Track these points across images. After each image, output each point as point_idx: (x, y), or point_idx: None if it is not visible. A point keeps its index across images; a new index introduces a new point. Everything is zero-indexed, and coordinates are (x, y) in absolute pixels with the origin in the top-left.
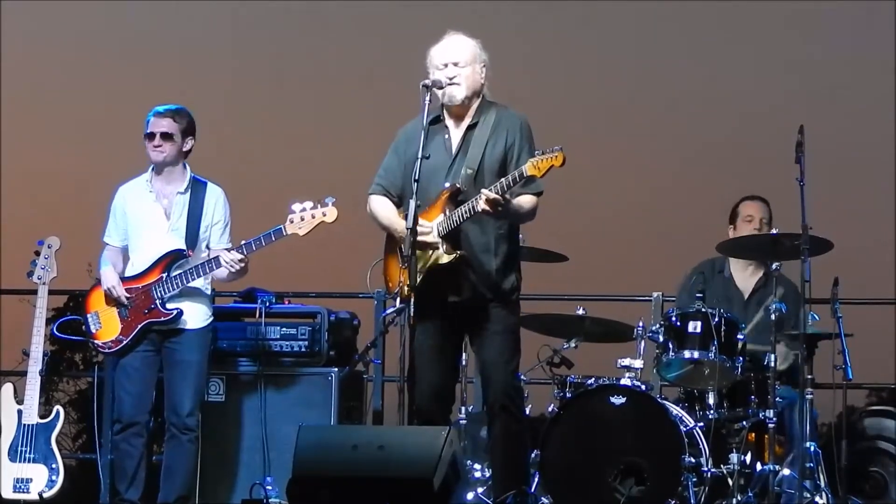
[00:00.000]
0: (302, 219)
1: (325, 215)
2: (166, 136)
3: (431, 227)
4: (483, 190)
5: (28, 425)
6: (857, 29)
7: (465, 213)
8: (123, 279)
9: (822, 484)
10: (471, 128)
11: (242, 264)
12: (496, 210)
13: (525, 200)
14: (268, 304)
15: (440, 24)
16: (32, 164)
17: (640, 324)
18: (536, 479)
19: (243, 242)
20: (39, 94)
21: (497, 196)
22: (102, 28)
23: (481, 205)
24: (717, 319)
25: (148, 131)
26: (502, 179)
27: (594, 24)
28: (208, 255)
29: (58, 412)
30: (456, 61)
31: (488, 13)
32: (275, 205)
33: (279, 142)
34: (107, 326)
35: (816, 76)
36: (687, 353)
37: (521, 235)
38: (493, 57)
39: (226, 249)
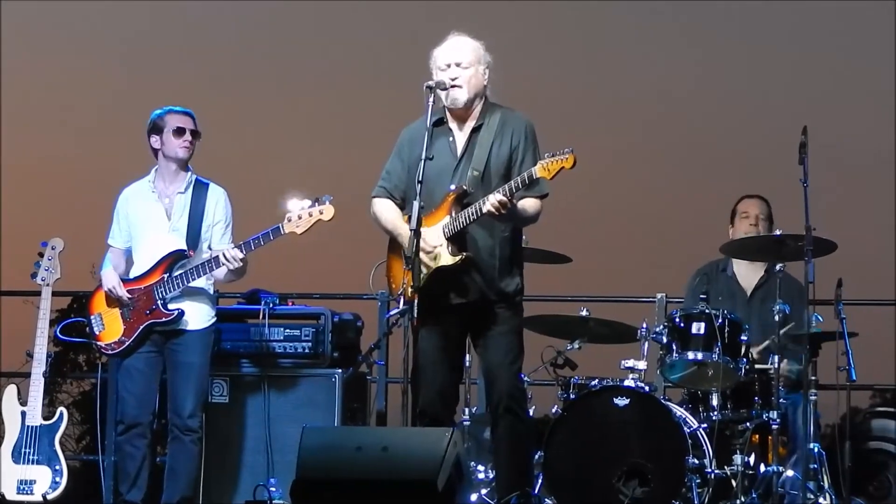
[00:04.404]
0: (300, 217)
1: (322, 213)
2: (196, 134)
3: (432, 248)
4: (491, 195)
5: (32, 427)
6: (867, 29)
7: (471, 215)
8: (126, 280)
9: (826, 485)
10: (475, 130)
11: (242, 262)
12: (501, 213)
13: (529, 204)
14: (271, 305)
15: (444, 25)
16: (36, 165)
17: (644, 325)
18: (540, 481)
19: (241, 242)
20: (42, 94)
21: (505, 198)
22: (106, 29)
23: (487, 207)
24: (720, 321)
25: (176, 127)
26: (510, 181)
27: (598, 24)
28: (210, 255)
29: (61, 414)
30: (458, 62)
31: (491, 13)
32: (275, 205)
33: (280, 142)
34: (110, 328)
35: (820, 77)
36: (690, 355)
37: (524, 237)
38: (495, 58)
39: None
